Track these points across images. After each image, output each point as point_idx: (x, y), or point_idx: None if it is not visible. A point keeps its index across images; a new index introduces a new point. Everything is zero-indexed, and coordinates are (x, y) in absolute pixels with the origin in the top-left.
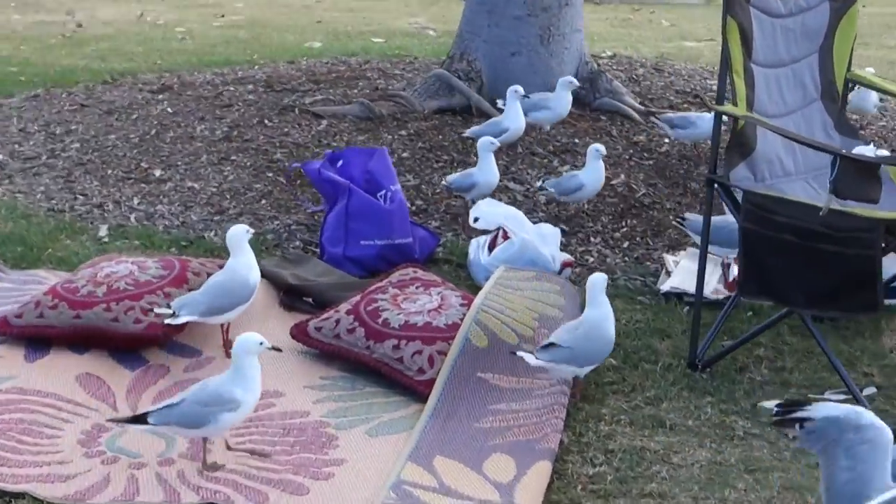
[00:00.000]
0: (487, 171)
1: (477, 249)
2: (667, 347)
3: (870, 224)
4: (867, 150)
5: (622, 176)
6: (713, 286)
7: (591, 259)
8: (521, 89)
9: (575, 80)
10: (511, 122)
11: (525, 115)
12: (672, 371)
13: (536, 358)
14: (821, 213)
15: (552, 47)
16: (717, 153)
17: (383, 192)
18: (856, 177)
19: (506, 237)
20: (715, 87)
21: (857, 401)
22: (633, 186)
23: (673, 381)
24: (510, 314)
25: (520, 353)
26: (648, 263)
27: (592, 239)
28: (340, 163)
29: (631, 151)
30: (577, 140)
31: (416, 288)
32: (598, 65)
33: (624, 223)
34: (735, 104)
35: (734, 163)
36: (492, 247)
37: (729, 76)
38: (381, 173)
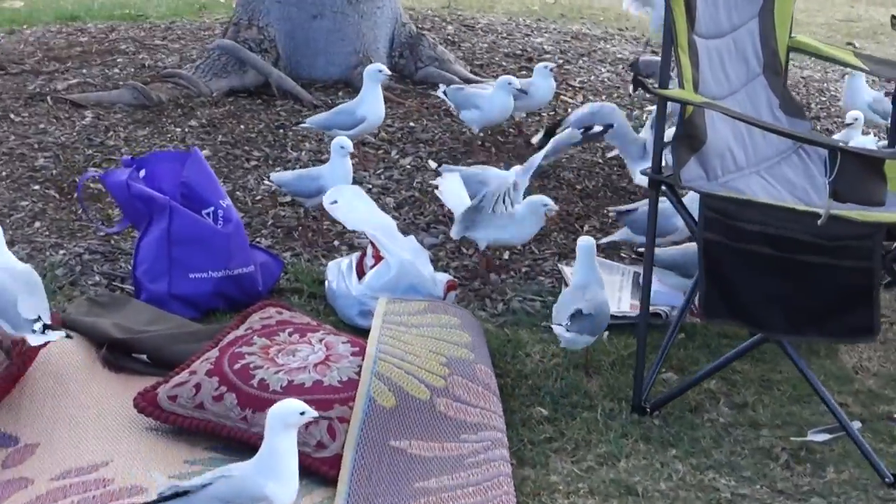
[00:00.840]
0: (339, 173)
1: (339, 275)
2: (599, 387)
3: (868, 230)
4: (868, 142)
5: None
6: (626, 301)
7: (471, 275)
8: (384, 69)
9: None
10: (368, 111)
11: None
12: (616, 418)
13: (567, 330)
14: (819, 223)
15: (362, 6)
16: (661, 147)
17: (210, 209)
18: (858, 176)
19: (377, 257)
20: (539, 45)
21: (851, 439)
22: None
23: (623, 432)
24: (413, 361)
25: (555, 329)
26: (542, 278)
27: (464, 250)
28: (143, 172)
29: (482, 136)
30: (412, 124)
31: (290, 335)
32: (417, 26)
33: None
34: (682, 86)
35: (684, 159)
36: (360, 271)
37: (674, 52)
38: (201, 185)
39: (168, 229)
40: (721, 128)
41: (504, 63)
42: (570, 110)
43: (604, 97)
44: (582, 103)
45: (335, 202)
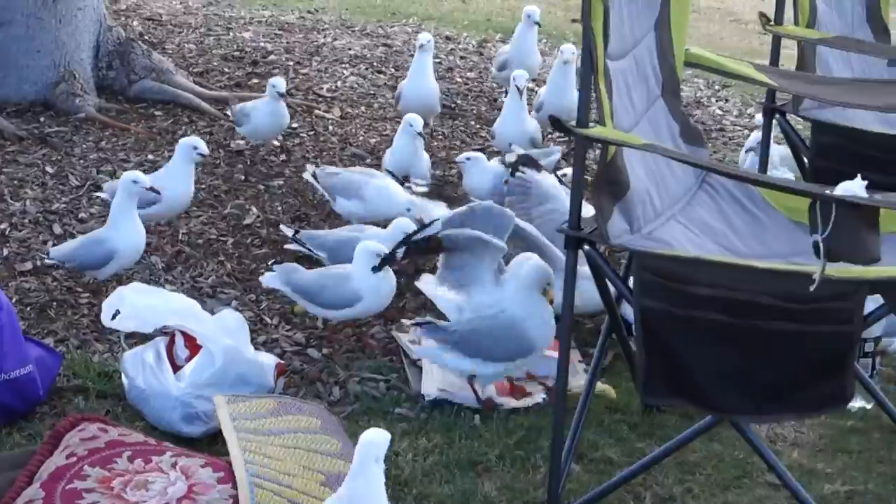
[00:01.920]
0: (128, 228)
1: (144, 369)
2: (498, 490)
3: (849, 288)
4: (855, 187)
5: (252, 209)
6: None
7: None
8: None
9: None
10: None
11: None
12: None
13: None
14: (812, 288)
15: (59, 7)
16: (579, 198)
17: None
18: (855, 230)
19: (193, 345)
20: (253, 42)
21: None
22: (272, 219)
23: None
24: (292, 483)
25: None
26: (373, 343)
27: (268, 319)
28: None
29: (238, 165)
30: (152, 157)
31: (130, 460)
32: (126, 29)
33: None
34: (601, 121)
35: (607, 211)
36: (171, 359)
37: (594, 81)
38: None
39: None
40: (638, 168)
41: (226, 69)
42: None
43: (362, 107)
44: (342, 117)
45: (116, 314)
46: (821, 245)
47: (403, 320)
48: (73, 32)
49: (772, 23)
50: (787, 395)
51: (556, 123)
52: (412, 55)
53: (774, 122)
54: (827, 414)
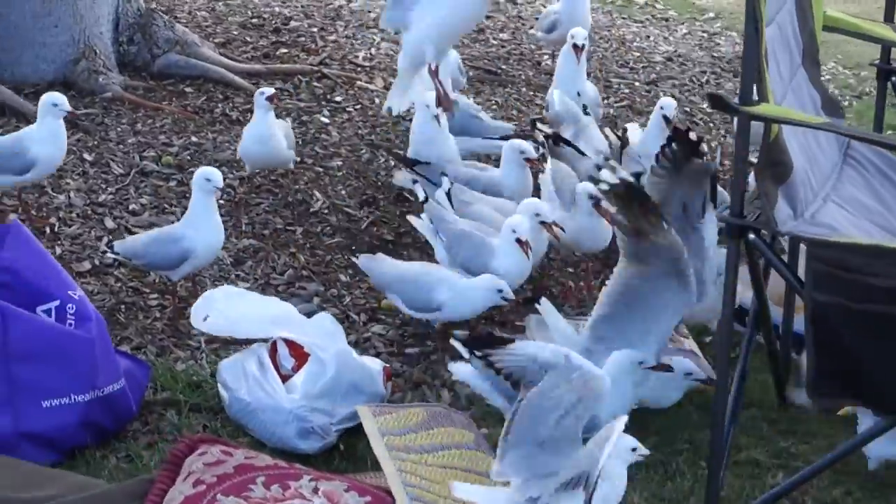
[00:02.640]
0: (207, 226)
1: (247, 380)
2: (646, 501)
3: None
4: None
5: (315, 194)
6: None
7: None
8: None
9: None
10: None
11: None
12: None
13: None
14: None
15: None
16: (743, 182)
17: (52, 304)
18: None
19: (299, 353)
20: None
21: None
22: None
23: None
24: None
25: None
26: None
27: (355, 316)
28: None
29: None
30: (195, 139)
31: (266, 486)
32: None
33: None
34: (762, 98)
35: (773, 195)
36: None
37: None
38: (35, 269)
39: (2, 342)
40: (795, 147)
41: (248, 38)
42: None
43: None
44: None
45: (206, 318)
46: None
47: None
48: (91, 5)
49: None
50: None
51: (717, 102)
52: None
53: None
54: None
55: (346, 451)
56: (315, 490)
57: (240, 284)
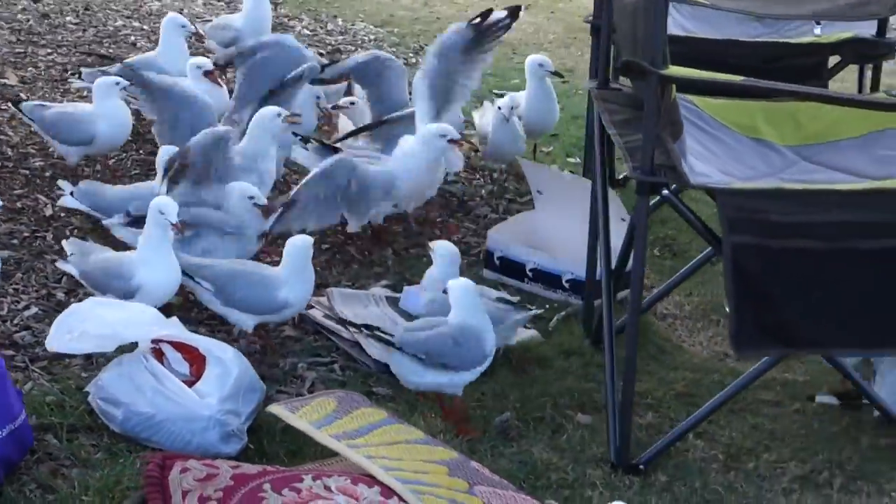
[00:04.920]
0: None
1: (142, 391)
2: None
3: None
4: None
5: None
6: None
7: None
8: None
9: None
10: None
11: None
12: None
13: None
14: None
15: None
16: (653, 143)
17: None
18: None
19: (192, 355)
20: None
21: None
22: None
23: None
24: (429, 480)
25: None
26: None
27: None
28: None
29: None
30: None
31: (278, 492)
32: None
33: None
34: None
35: (676, 152)
36: None
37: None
38: None
39: None
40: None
41: None
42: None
43: None
44: None
45: (68, 334)
46: None
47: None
48: None
49: None
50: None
51: (633, 67)
52: None
53: None
54: None
55: (258, 449)
56: (327, 488)
57: None
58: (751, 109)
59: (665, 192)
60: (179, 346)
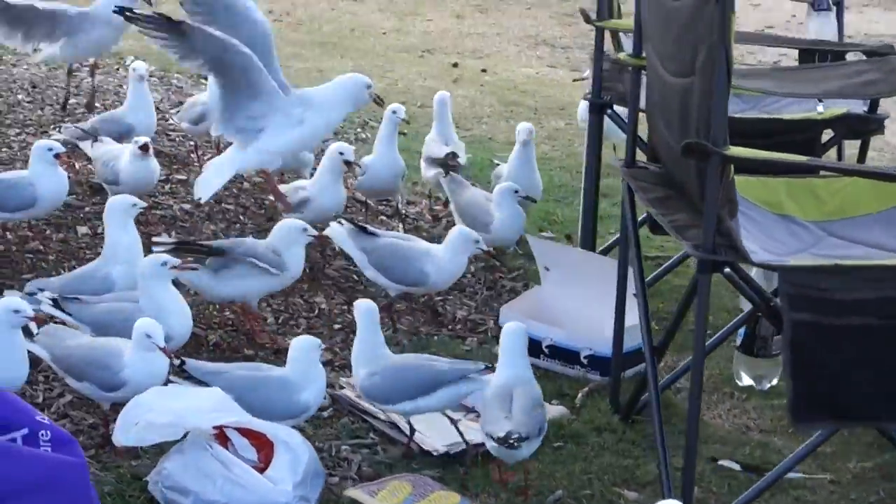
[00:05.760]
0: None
1: (212, 478)
2: None
3: None
4: None
5: None
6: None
7: None
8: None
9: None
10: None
11: None
12: None
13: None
14: None
15: None
16: (714, 220)
17: (20, 433)
18: None
19: (259, 440)
20: None
21: None
22: None
23: None
24: None
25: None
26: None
27: None
28: None
29: None
30: None
31: None
32: None
33: None
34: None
35: (735, 229)
36: None
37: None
38: None
39: None
40: None
41: None
42: None
43: None
44: None
45: (136, 424)
46: None
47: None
48: None
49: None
50: None
51: (695, 147)
52: None
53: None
54: None
55: None
56: None
57: None
58: (773, 186)
59: (727, 270)
60: (245, 433)
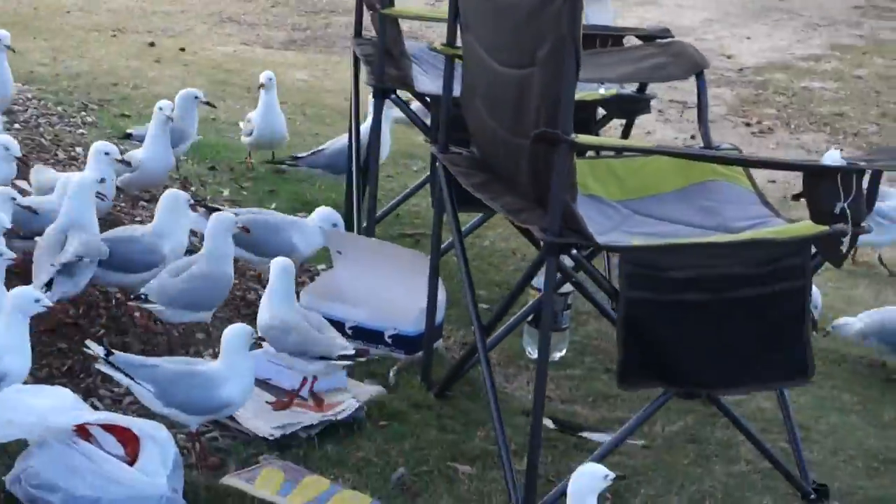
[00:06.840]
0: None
1: (80, 474)
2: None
3: (798, 246)
4: (837, 156)
5: None
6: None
7: None
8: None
9: None
10: None
11: None
12: None
13: None
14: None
15: None
16: (562, 204)
17: None
18: (860, 194)
19: (124, 435)
20: None
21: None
22: None
23: None
24: None
25: None
26: None
27: None
28: None
29: None
30: None
31: None
32: None
33: None
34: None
35: (579, 214)
36: None
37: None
38: None
39: None
40: None
41: None
42: None
43: None
44: None
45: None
46: (847, 211)
47: None
48: None
49: None
50: (754, 368)
51: (546, 136)
52: None
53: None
54: (792, 386)
55: None
56: None
57: None
58: (579, 167)
59: (574, 252)
60: (109, 428)
